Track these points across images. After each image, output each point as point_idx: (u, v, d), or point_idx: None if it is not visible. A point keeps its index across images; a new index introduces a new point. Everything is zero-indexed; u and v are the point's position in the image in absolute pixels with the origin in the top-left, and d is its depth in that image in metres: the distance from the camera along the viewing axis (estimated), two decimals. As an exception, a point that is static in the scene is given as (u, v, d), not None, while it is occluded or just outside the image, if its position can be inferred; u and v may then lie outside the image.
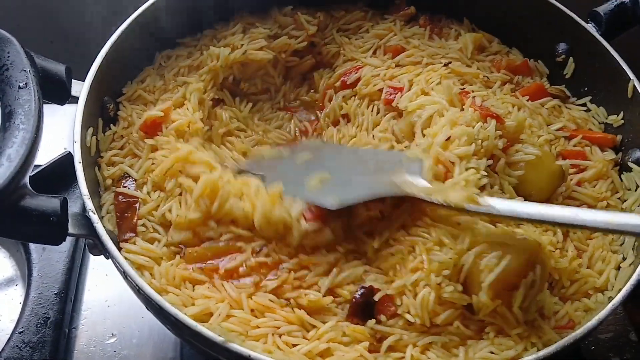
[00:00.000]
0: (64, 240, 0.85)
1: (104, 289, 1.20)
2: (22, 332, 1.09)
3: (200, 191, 0.92)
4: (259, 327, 0.83)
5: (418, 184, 0.92)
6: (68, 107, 1.01)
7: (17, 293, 1.22)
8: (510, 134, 1.02)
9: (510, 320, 0.88)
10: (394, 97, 1.10)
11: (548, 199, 1.02)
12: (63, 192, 1.28)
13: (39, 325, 1.10)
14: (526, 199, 0.98)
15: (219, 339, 0.76)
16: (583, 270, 0.97)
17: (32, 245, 1.20)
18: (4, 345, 1.07)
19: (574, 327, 0.88)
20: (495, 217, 0.89)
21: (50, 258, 1.18)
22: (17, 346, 1.07)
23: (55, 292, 1.14)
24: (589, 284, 0.95)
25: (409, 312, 0.86)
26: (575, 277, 0.96)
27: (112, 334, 1.14)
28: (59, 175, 1.29)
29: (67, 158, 1.30)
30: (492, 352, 0.85)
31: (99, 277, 1.22)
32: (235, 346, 0.75)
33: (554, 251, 0.97)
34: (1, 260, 1.27)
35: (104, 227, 0.85)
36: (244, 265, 0.88)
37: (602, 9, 1.18)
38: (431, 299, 0.85)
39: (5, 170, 0.78)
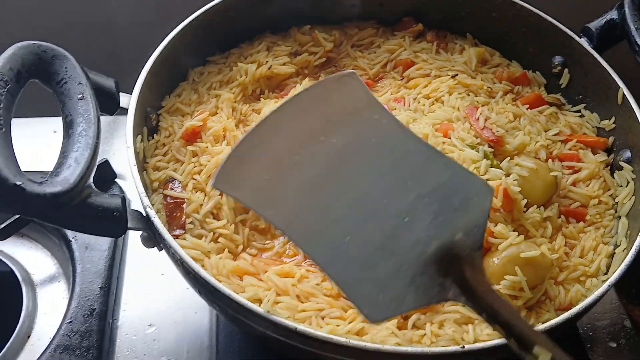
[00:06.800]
0: (124, 233, 0.95)
1: (141, 283, 1.29)
2: (70, 322, 1.18)
3: (233, 204, 1.05)
4: (305, 311, 0.94)
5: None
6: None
7: (60, 288, 1.32)
8: (509, 152, 1.15)
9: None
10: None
11: (544, 204, 1.13)
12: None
13: (85, 316, 1.19)
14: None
15: (268, 314, 0.87)
16: (574, 259, 1.08)
17: (74, 244, 1.30)
18: (55, 334, 1.17)
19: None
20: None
21: (92, 255, 1.28)
22: (67, 334, 1.16)
23: (100, 286, 1.23)
24: (579, 271, 1.06)
25: None
26: (563, 265, 1.07)
27: (151, 324, 1.24)
28: (96, 181, 1.39)
29: (104, 165, 1.41)
30: None
31: (136, 273, 1.31)
32: (283, 320, 0.86)
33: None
34: (44, 259, 1.37)
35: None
36: None
37: (593, 25, 1.30)
38: None
39: (73, 170, 0.89)
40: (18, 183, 0.83)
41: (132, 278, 1.31)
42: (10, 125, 0.91)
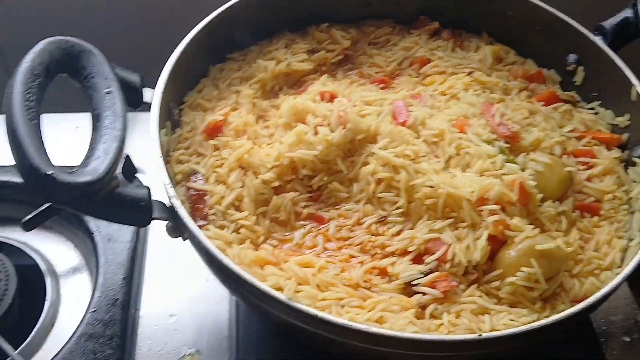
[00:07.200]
0: (149, 223, 0.98)
1: (163, 275, 1.33)
2: (94, 311, 1.22)
3: (254, 197, 1.08)
4: (325, 300, 0.96)
5: None
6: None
7: (83, 279, 1.36)
8: (524, 148, 1.17)
9: (529, 299, 1.01)
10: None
11: (559, 199, 1.15)
12: (122, 190, 1.42)
13: (109, 306, 1.23)
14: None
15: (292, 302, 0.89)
16: (589, 253, 1.09)
17: (97, 236, 1.33)
18: (79, 322, 1.20)
19: (587, 301, 1.01)
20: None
21: (115, 247, 1.31)
22: (91, 323, 1.20)
23: (122, 276, 1.27)
24: (594, 264, 1.08)
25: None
26: (578, 258, 1.08)
27: (172, 314, 1.27)
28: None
29: (126, 160, 1.44)
30: (512, 320, 0.98)
31: (157, 265, 1.35)
32: (304, 307, 0.88)
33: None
34: (67, 251, 1.41)
35: (183, 212, 0.98)
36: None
37: (607, 23, 1.32)
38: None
39: (102, 161, 0.92)
40: (50, 172, 0.86)
41: (154, 270, 1.34)
42: (40, 118, 0.94)
